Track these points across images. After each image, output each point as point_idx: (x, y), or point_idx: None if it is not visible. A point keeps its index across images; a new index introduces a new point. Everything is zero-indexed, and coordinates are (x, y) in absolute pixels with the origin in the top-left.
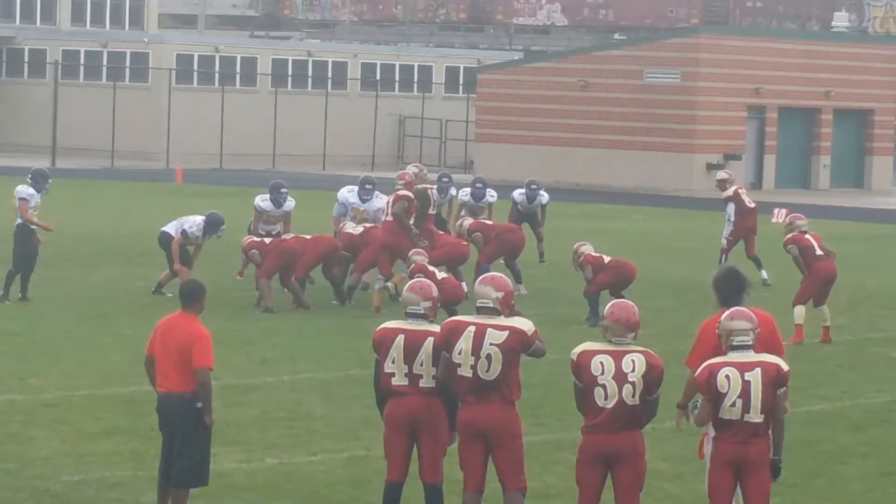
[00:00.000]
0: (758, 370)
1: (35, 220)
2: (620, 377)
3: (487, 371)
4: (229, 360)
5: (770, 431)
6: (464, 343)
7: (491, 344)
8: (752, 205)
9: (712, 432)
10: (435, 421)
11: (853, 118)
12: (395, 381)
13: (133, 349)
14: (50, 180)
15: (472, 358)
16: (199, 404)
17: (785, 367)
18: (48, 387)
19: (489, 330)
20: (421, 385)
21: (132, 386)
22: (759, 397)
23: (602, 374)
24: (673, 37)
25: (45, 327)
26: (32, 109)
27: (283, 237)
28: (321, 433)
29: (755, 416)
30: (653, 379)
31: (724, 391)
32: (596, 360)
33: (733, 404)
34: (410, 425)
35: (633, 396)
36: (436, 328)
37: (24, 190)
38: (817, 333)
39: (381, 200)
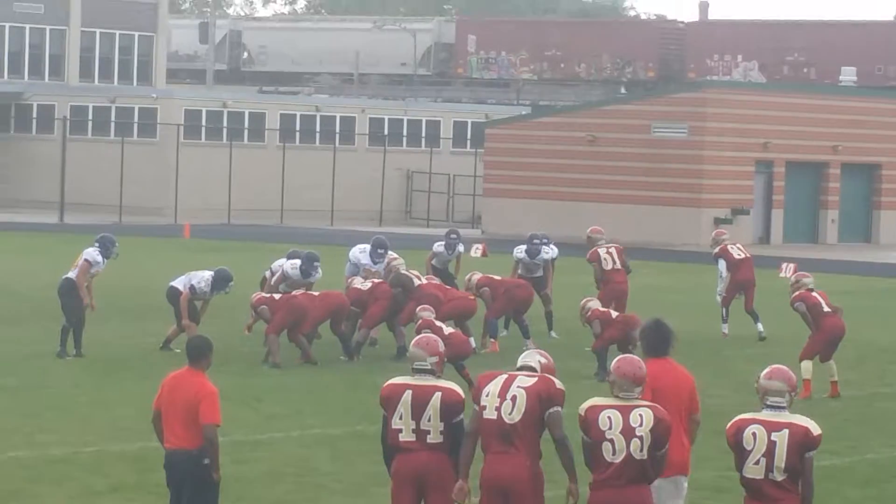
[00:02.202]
0: (785, 431)
1: (85, 287)
2: (628, 432)
3: (511, 413)
4: (237, 415)
5: (800, 493)
6: (493, 386)
7: (518, 386)
8: (742, 255)
9: None
10: (443, 477)
11: (861, 172)
12: (402, 437)
13: (141, 405)
14: (117, 244)
15: (498, 399)
16: (207, 461)
17: (816, 430)
18: (55, 443)
19: (520, 376)
20: (428, 441)
21: (140, 442)
22: (784, 458)
23: (610, 429)
24: (680, 91)
25: (53, 382)
26: (41, 165)
27: (292, 293)
28: (329, 489)
29: (778, 476)
30: (660, 433)
31: (749, 448)
32: (604, 415)
33: (756, 462)
34: (418, 481)
35: (642, 451)
36: (443, 383)
37: (93, 255)
38: (825, 388)
39: (393, 260)
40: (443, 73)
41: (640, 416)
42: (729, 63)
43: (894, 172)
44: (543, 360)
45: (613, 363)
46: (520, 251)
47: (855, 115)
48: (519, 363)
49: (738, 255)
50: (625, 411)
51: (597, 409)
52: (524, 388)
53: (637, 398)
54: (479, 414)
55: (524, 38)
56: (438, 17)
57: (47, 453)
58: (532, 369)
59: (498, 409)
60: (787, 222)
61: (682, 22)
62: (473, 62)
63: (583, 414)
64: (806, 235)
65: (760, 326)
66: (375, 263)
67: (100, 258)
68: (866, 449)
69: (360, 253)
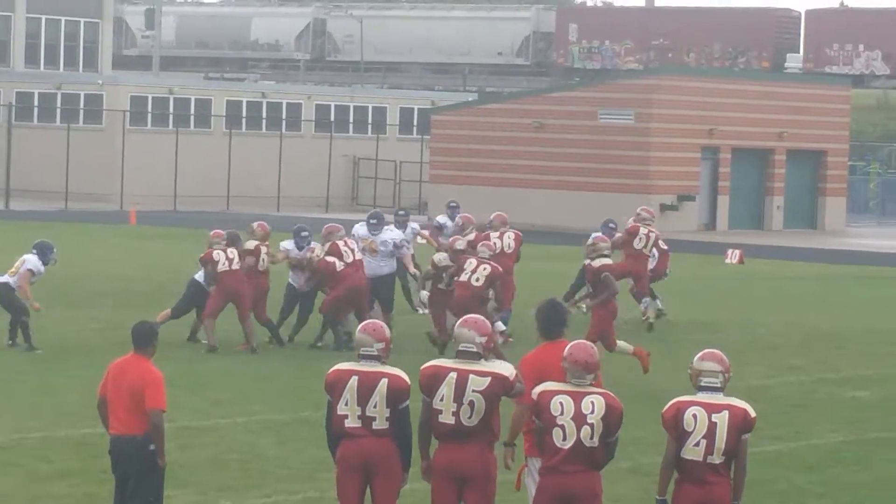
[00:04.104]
0: (725, 413)
1: (28, 294)
2: (579, 418)
3: (470, 417)
4: (182, 401)
5: (732, 475)
6: (445, 389)
7: (473, 391)
8: (646, 249)
9: (535, 466)
10: (388, 462)
11: (806, 159)
12: (347, 423)
13: (86, 391)
14: (55, 250)
15: (455, 405)
16: (152, 446)
17: (752, 413)
18: (0, 429)
19: (471, 376)
20: (374, 427)
21: (85, 428)
22: (724, 440)
23: (561, 414)
24: (627, 78)
25: None
26: None
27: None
28: (275, 475)
29: (717, 458)
30: (612, 421)
31: (690, 430)
32: (556, 400)
33: (697, 444)
34: (364, 467)
35: (592, 438)
36: (390, 370)
37: (36, 264)
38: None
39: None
40: (541, 63)
41: (592, 403)
42: (850, 52)
43: (839, 159)
44: (482, 339)
45: (567, 350)
46: (443, 218)
47: (800, 101)
48: (459, 346)
49: (658, 247)
50: (577, 397)
51: (549, 394)
52: (480, 392)
53: (589, 385)
54: (432, 411)
55: (629, 26)
56: (537, 4)
57: None
58: (475, 355)
59: (456, 413)
60: (732, 208)
61: (796, 11)
62: (575, 52)
63: (535, 398)
64: (751, 221)
65: (644, 307)
66: (373, 234)
67: (42, 267)
68: (811, 434)
69: (359, 227)
